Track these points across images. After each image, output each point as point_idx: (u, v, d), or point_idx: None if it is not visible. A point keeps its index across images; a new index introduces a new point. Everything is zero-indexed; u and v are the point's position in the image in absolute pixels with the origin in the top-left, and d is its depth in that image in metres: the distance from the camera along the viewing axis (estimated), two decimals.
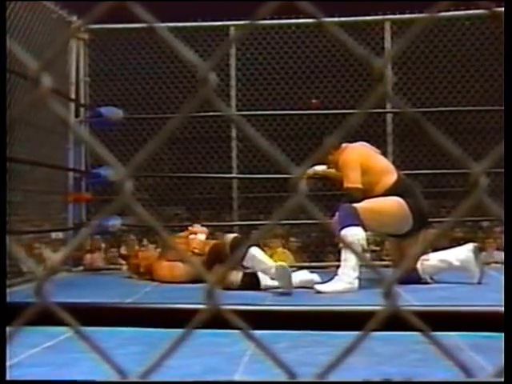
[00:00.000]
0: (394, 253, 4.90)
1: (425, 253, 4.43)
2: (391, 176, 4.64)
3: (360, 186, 4.55)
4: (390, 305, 0.47)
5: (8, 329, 0.58)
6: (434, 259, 4.59)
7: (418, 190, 4.71)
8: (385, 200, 4.51)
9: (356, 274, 4.28)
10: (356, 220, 4.37)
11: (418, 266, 4.53)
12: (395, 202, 4.51)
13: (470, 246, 4.62)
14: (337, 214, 4.45)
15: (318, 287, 4.30)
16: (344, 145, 4.73)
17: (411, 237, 4.54)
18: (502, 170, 0.65)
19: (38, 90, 0.44)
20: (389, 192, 4.55)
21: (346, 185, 4.56)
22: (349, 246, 4.26)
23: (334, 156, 4.70)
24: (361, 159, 4.64)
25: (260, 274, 4.51)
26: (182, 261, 4.59)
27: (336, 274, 4.35)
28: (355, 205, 4.42)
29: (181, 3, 7.81)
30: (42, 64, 0.44)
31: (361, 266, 4.40)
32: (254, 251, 4.38)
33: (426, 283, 4.53)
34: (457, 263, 4.56)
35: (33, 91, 0.44)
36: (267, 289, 4.38)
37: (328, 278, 4.49)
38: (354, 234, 4.34)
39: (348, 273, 4.29)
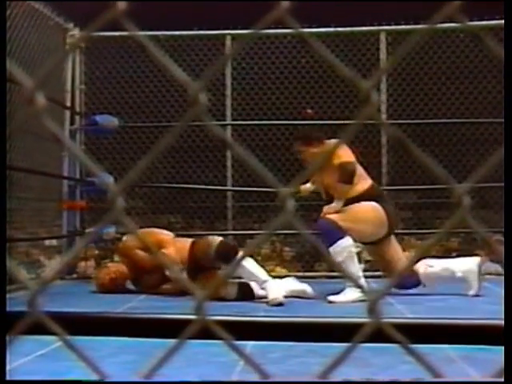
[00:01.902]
0: (375, 259, 4.93)
1: (413, 265, 4.44)
2: (367, 181, 4.64)
3: (352, 160, 4.49)
4: (374, 320, 0.48)
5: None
6: (438, 266, 4.60)
7: (388, 197, 4.74)
8: (359, 207, 4.48)
9: (362, 281, 4.29)
10: (340, 232, 4.38)
11: (422, 270, 4.53)
12: (370, 207, 4.50)
13: (477, 259, 4.64)
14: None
15: (332, 298, 4.33)
16: (329, 141, 4.65)
17: (385, 242, 4.56)
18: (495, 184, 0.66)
19: (33, 107, 0.45)
20: (364, 195, 4.52)
21: (337, 161, 4.41)
22: (337, 264, 4.25)
23: (318, 150, 4.63)
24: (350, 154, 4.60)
25: (253, 285, 4.51)
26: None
27: (347, 285, 4.34)
28: (331, 217, 4.41)
29: (177, 11, 7.83)
30: (38, 81, 0.45)
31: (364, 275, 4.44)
32: (246, 262, 4.35)
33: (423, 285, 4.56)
34: (459, 274, 4.56)
35: (27, 107, 0.46)
36: (261, 298, 4.39)
37: (321, 287, 4.50)
38: (345, 247, 4.36)
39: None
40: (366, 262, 6.95)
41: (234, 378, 2.26)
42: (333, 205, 4.49)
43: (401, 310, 3.72)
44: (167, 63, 0.49)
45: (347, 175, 4.44)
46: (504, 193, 0.63)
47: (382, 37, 6.26)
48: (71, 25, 6.11)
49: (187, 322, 0.56)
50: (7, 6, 5.00)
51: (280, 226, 0.49)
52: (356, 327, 0.60)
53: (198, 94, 0.47)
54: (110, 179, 5.38)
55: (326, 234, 4.38)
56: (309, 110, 6.76)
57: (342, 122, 6.31)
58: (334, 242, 4.34)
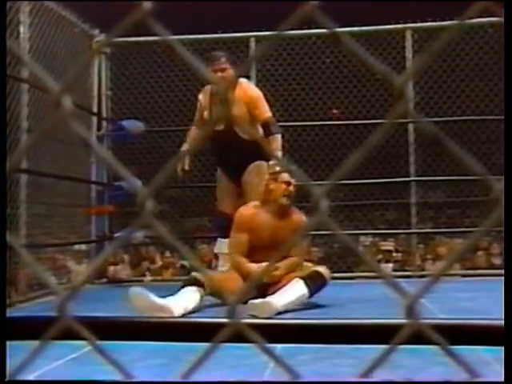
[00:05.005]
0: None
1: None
2: None
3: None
4: (413, 321, 0.47)
5: (35, 343, 0.60)
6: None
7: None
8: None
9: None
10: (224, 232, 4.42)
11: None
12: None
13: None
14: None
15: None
16: (240, 79, 4.55)
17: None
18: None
19: (60, 111, 0.44)
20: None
21: (265, 115, 4.43)
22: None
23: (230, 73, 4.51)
24: None
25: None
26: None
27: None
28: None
29: (201, 15, 7.86)
30: (64, 86, 0.44)
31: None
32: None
33: None
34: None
35: (54, 112, 0.45)
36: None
37: (350, 288, 4.47)
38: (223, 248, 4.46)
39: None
40: (395, 261, 6.91)
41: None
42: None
43: (432, 310, 3.68)
44: (196, 64, 0.48)
45: (273, 129, 4.40)
46: (504, 192, 0.62)
47: (408, 35, 6.20)
48: (97, 31, 6.17)
49: (218, 325, 0.55)
50: (36, 14, 5.06)
51: (314, 225, 0.48)
52: (392, 329, 0.59)
53: (226, 93, 0.46)
54: (138, 183, 5.42)
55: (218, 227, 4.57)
56: (335, 111, 6.74)
57: (368, 121, 6.27)
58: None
